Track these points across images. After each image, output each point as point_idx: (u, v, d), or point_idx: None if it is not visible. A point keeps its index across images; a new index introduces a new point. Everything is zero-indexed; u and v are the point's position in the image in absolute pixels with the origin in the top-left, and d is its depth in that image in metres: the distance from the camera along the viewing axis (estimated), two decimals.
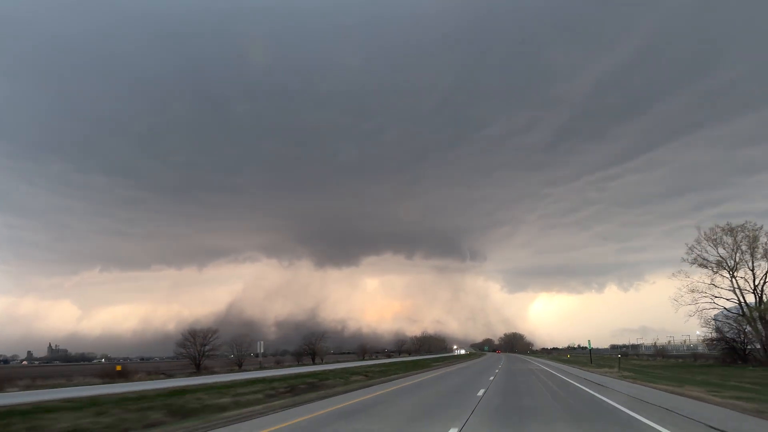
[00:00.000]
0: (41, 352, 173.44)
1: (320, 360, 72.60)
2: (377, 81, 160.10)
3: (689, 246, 41.93)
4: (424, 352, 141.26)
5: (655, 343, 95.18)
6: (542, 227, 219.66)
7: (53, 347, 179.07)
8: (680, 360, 56.37)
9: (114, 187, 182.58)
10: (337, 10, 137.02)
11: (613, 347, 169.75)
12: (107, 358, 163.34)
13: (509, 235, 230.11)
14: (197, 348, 47.12)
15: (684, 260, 42.12)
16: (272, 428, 9.24)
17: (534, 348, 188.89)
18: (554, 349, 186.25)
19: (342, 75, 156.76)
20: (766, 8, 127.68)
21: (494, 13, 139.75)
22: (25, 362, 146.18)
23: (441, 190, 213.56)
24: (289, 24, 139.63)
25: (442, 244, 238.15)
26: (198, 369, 46.49)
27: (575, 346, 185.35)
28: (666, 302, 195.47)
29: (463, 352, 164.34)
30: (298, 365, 54.95)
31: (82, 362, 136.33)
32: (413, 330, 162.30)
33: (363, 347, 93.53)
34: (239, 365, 53.26)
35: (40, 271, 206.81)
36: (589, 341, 47.29)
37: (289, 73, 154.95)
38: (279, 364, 60.45)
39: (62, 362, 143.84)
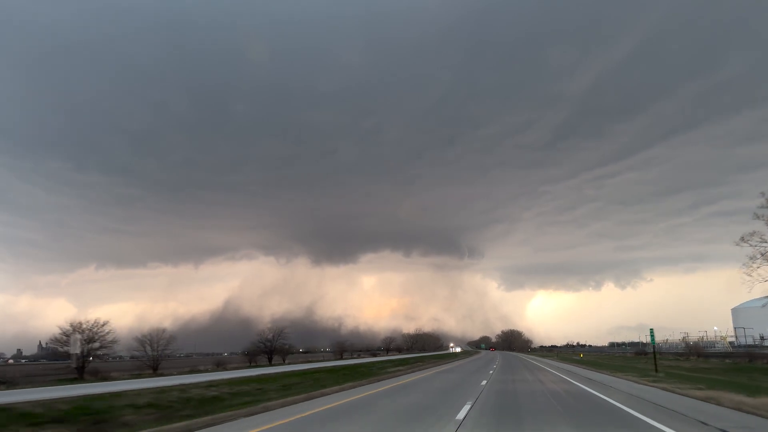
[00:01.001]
0: (34, 350, 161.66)
1: (282, 360, 58.26)
2: (375, 79, 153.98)
3: (766, 196, 27.27)
4: (417, 350, 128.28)
5: (684, 339, 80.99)
6: (540, 225, 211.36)
7: (43, 345, 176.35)
8: (728, 361, 41.62)
9: (111, 185, 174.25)
10: (336, 7, 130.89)
11: (616, 345, 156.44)
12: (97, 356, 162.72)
13: (507, 233, 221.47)
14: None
15: (758, 217, 27.47)
16: None
17: (533, 346, 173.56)
18: (553, 346, 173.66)
19: (340, 73, 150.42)
20: (763, 7, 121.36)
21: (492, 11, 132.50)
22: (10, 360, 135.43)
23: (439, 187, 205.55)
24: (287, 21, 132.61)
25: (440, 241, 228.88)
26: (80, 374, 32.23)
27: (574, 343, 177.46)
28: (664, 300, 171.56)
29: (458, 350, 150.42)
30: (230, 369, 40.81)
31: (67, 360, 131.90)
32: (410, 328, 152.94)
33: (341, 345, 79.00)
34: (154, 368, 38.96)
35: (36, 268, 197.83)
36: (651, 331, 32.30)
37: (287, 71, 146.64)
38: (219, 367, 46.25)
39: (49, 360, 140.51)
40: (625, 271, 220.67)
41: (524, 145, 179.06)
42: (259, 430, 7.85)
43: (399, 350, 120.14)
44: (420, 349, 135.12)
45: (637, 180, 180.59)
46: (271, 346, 54.33)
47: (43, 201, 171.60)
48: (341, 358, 74.76)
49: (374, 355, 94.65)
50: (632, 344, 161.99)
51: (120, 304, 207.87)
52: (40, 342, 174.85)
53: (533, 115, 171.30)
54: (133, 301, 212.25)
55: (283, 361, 57.58)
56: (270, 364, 53.19)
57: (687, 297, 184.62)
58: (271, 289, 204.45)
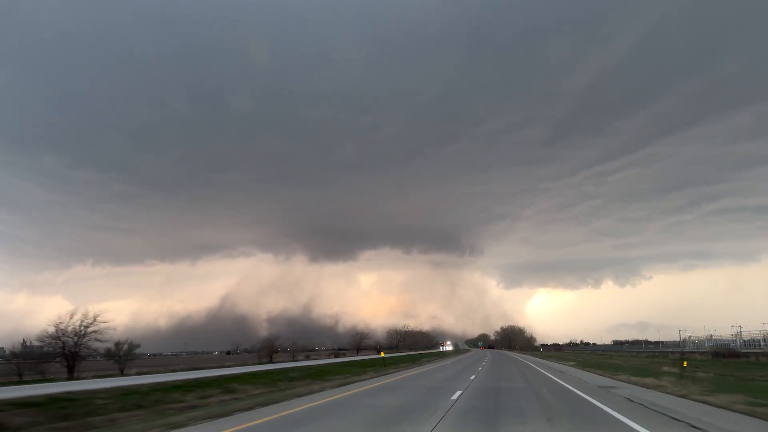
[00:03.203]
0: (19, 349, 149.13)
1: (121, 371, 30.87)
2: (374, 76, 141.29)
3: None
4: (406, 349, 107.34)
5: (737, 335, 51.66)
6: (539, 222, 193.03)
7: (27, 343, 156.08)
8: None
9: (108, 181, 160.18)
10: (334, 4, 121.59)
11: (617, 343, 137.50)
12: None
13: (506, 231, 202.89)
14: None
15: None
16: None
17: (537, 344, 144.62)
18: (554, 345, 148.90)
19: (339, 70, 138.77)
20: (763, 4, 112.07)
21: (492, 7, 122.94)
22: None
23: (439, 185, 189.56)
24: (286, 18, 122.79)
25: (440, 239, 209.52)
26: None
27: (577, 341, 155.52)
28: (664, 297, 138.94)
29: (449, 348, 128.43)
30: None
31: (44, 359, 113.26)
32: (409, 325, 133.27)
33: (269, 342, 51.37)
34: None
35: (32, 266, 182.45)
36: None
37: (286, 68, 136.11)
38: None
39: (24, 360, 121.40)
40: (624, 268, 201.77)
41: (524, 142, 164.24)
42: None
43: (378, 350, 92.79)
44: (409, 348, 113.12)
45: (637, 177, 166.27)
46: (74, 346, 26.92)
47: (38, 198, 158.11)
48: (270, 361, 47.42)
49: (336, 356, 67.64)
50: (626, 342, 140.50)
51: (117, 301, 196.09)
52: (23, 340, 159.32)
53: (533, 112, 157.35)
54: (131, 299, 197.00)
55: (121, 372, 30.23)
56: (70, 376, 25.82)
57: (687, 294, 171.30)
58: (268, 287, 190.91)
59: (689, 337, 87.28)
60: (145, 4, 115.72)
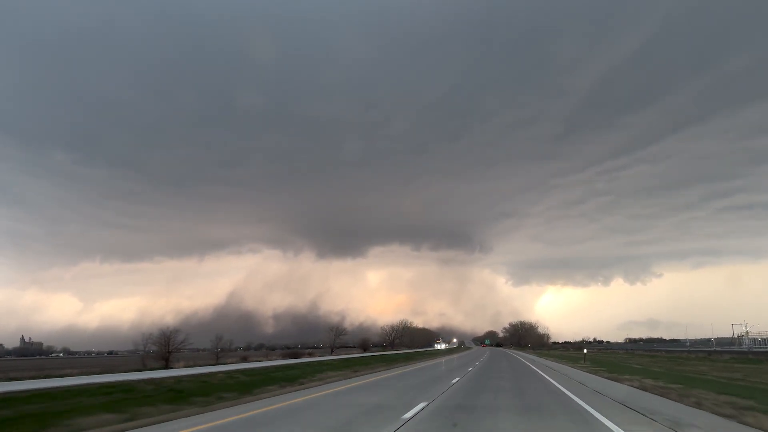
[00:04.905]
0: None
1: None
2: (382, 72, 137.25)
3: None
4: (404, 347, 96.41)
5: None
6: (548, 219, 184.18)
7: (26, 340, 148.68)
8: None
9: (117, 179, 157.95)
10: (343, 1, 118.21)
11: (630, 341, 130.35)
12: (68, 352, 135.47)
13: (515, 228, 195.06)
14: None
15: None
16: None
17: (550, 341, 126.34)
18: (566, 343, 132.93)
19: (347, 66, 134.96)
20: None
21: (500, 4, 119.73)
22: None
23: (447, 181, 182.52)
24: (293, 15, 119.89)
25: (448, 236, 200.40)
26: None
27: (590, 339, 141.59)
28: (674, 295, 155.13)
29: (443, 347, 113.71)
30: None
31: (37, 356, 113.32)
32: (417, 322, 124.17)
33: (165, 339, 34.63)
34: None
35: (41, 263, 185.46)
36: None
37: (293, 65, 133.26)
38: None
39: (17, 356, 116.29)
40: (634, 266, 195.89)
41: (533, 138, 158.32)
42: None
43: (364, 348, 76.67)
44: (407, 346, 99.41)
45: (647, 173, 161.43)
46: None
47: (47, 194, 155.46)
48: (166, 366, 30.90)
49: (296, 355, 51.13)
50: (640, 340, 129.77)
51: (124, 298, 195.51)
52: (22, 336, 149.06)
53: (542, 109, 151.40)
54: (138, 296, 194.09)
55: None
56: None
57: (698, 292, 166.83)
58: (275, 283, 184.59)
59: (747, 333, 68.43)
60: (153, 3, 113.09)
